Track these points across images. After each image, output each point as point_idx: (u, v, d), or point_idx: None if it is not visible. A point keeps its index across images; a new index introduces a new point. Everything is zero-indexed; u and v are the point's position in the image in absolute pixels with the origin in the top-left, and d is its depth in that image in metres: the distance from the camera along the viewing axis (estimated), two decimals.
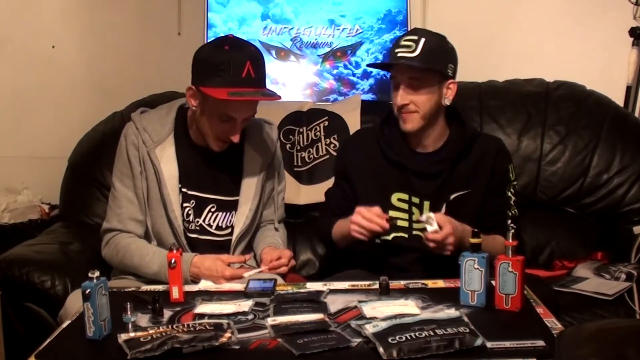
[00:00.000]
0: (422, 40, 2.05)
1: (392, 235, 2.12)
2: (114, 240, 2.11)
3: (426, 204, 2.12)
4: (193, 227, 2.13)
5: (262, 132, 2.24)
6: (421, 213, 2.11)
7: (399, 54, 2.06)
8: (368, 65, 2.92)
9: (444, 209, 2.10)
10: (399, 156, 2.15)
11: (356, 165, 2.21)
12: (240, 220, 2.16)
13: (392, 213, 2.10)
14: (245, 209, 2.16)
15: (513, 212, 2.18)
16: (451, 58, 2.11)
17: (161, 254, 2.03)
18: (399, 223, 2.12)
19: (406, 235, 2.12)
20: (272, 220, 2.28)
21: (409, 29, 2.95)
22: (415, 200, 2.13)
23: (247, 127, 2.16)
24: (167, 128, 2.13)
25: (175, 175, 2.11)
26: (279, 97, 2.07)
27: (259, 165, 2.19)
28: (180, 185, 2.11)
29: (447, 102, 2.12)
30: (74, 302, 1.91)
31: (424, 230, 1.97)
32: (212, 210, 2.14)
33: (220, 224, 2.15)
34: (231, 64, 1.96)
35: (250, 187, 2.17)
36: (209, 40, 2.86)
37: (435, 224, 1.93)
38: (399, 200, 2.14)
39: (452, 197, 2.11)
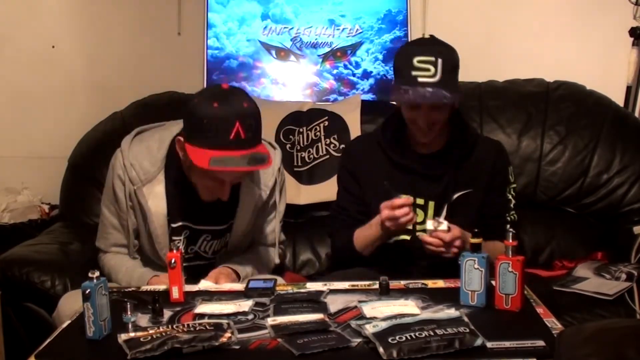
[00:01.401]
0: (440, 61, 1.97)
1: (393, 239, 2.12)
2: (102, 261, 2.13)
3: (431, 204, 2.12)
4: (186, 256, 2.04)
5: None
6: (425, 214, 2.11)
7: (420, 79, 1.97)
8: (391, 101, 2.49)
9: (445, 209, 2.10)
10: (404, 159, 2.15)
11: (360, 169, 2.20)
12: (233, 244, 2.13)
13: None
14: (238, 232, 2.11)
15: (512, 217, 2.17)
16: (458, 66, 2.08)
17: (133, 273, 2.04)
18: None
19: (408, 238, 2.12)
20: (262, 242, 2.19)
21: (408, 29, 2.96)
22: (420, 201, 2.12)
23: None
24: (157, 166, 2.00)
25: (163, 212, 2.01)
26: (269, 165, 1.90)
27: (255, 198, 2.08)
28: (169, 220, 2.03)
29: (456, 104, 2.10)
30: (67, 304, 1.92)
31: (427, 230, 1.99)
32: (207, 239, 2.09)
33: (216, 249, 2.12)
34: (218, 124, 1.80)
35: (245, 217, 2.09)
36: (205, 86, 2.86)
37: (445, 224, 1.95)
38: None
39: (455, 196, 2.11)
